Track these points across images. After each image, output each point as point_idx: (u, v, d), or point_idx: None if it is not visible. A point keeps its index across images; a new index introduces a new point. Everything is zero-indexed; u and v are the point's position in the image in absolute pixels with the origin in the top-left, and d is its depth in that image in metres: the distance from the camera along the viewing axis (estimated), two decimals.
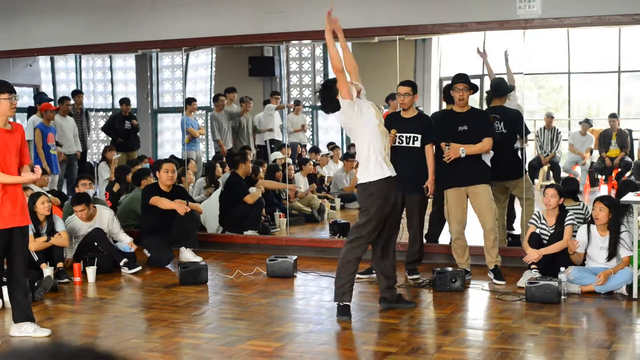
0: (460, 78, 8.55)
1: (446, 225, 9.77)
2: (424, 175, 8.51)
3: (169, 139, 15.19)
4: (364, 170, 6.99)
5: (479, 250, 8.85)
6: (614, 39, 13.68)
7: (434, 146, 8.53)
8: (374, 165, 6.92)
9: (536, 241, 8.35)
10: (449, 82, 8.85)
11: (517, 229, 10.01)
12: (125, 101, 14.10)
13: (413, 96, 8.54)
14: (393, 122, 8.55)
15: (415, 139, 8.47)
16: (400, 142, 8.46)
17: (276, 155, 13.47)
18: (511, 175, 9.39)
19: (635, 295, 7.67)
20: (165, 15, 11.33)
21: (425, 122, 8.64)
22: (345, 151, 14.18)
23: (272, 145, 13.94)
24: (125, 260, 9.36)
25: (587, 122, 13.90)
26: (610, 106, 14.42)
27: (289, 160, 12.90)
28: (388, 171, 6.97)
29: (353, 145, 13.55)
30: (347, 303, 7.02)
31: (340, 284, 7.00)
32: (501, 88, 9.58)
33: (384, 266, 7.31)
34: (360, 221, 7.01)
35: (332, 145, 14.56)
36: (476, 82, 9.24)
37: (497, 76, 10.16)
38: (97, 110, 14.75)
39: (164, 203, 9.73)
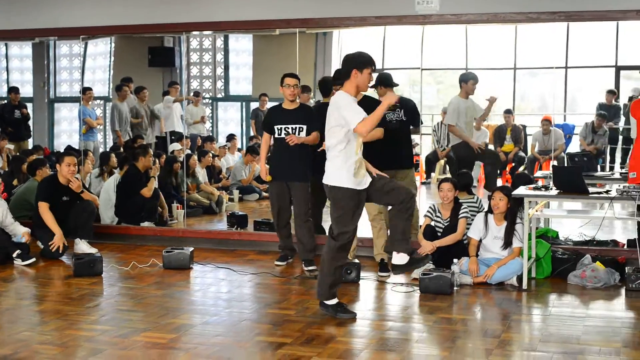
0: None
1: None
2: (310, 164, 8.78)
3: (66, 129, 14.97)
4: None
5: (370, 242, 9.04)
6: (510, 36, 13.96)
7: (319, 134, 8.62)
8: None
9: (430, 233, 8.49)
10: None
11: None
12: (13, 90, 13.83)
13: (299, 89, 8.86)
14: (275, 115, 8.79)
15: (301, 129, 8.71)
16: (287, 133, 8.67)
17: (174, 146, 13.37)
18: (404, 165, 9.43)
19: (525, 286, 7.86)
20: (63, 2, 11.12)
21: (308, 112, 8.85)
22: (247, 144, 14.17)
23: (173, 137, 13.85)
24: (18, 251, 9.16)
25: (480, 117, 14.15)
26: (506, 102, 14.71)
27: (188, 152, 12.85)
28: None
29: (255, 137, 13.61)
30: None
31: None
32: (389, 79, 9.62)
33: None
34: None
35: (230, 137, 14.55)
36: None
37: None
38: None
39: (49, 221, 9.46)
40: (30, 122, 14.23)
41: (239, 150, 14.40)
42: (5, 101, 14.38)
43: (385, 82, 9.15)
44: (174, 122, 13.88)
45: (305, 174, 8.79)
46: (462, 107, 10.65)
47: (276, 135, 8.81)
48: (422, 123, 9.88)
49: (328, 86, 9.56)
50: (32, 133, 14.27)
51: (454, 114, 10.65)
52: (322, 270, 6.93)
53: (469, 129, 10.75)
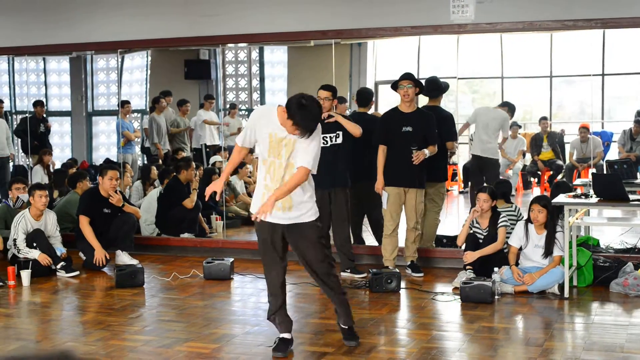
0: (407, 76, 8.79)
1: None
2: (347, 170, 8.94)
3: (104, 142, 15.09)
4: None
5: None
6: (545, 44, 13.91)
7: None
8: None
9: (473, 242, 8.47)
10: (385, 85, 8.96)
11: (453, 231, 10.08)
12: (39, 103, 13.93)
13: (332, 100, 8.75)
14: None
15: (337, 136, 8.73)
16: (325, 143, 8.59)
17: (215, 158, 13.46)
18: (437, 177, 9.48)
19: (566, 294, 7.82)
20: (99, 16, 11.23)
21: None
22: None
23: (208, 150, 13.92)
24: (62, 263, 9.25)
25: (516, 125, 14.13)
26: (542, 111, 14.65)
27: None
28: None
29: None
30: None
31: None
32: (436, 88, 9.65)
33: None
34: None
35: None
36: None
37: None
38: (31, 113, 14.55)
39: (88, 235, 9.54)
40: (64, 136, 14.37)
41: None
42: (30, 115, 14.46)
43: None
44: (206, 135, 13.95)
45: (346, 179, 8.84)
46: (489, 116, 11.15)
47: None
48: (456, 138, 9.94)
49: (365, 96, 9.61)
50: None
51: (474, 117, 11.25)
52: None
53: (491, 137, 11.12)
